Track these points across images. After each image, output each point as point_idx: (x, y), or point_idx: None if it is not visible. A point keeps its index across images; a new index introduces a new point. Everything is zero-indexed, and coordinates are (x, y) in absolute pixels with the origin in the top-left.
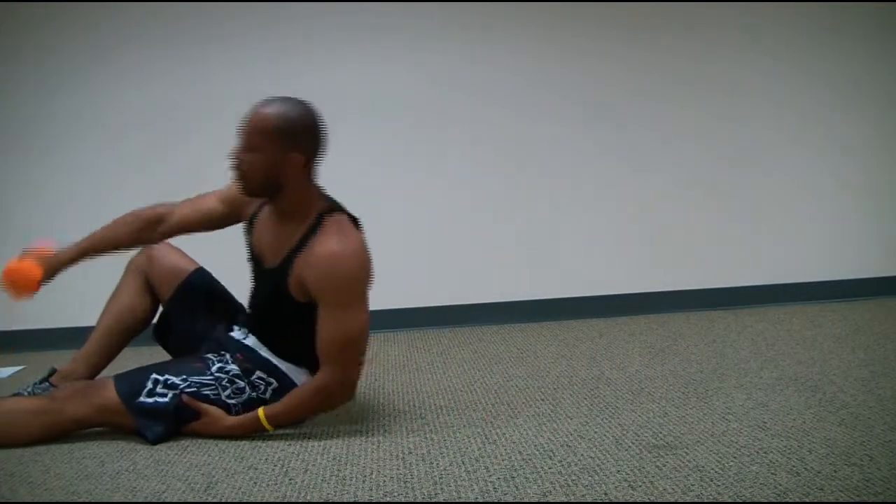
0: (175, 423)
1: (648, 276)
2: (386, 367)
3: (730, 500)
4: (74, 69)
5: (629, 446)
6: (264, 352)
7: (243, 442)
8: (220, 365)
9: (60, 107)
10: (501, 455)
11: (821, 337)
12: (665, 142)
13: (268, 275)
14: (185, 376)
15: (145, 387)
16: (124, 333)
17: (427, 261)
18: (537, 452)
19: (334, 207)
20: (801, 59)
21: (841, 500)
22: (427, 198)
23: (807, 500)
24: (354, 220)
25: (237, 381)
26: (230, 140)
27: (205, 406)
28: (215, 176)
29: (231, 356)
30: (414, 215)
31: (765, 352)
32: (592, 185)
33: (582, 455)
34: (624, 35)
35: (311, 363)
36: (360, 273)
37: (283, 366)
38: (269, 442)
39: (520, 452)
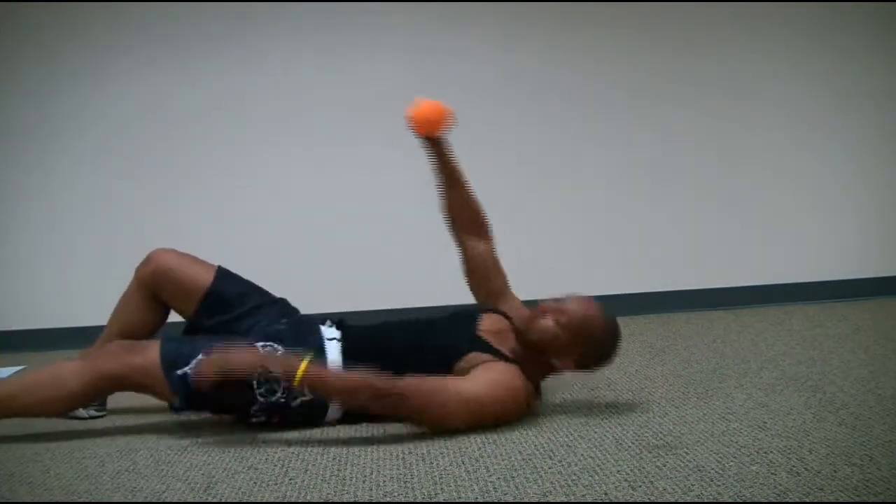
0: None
1: (648, 276)
2: None
3: (730, 500)
4: (75, 68)
5: (629, 446)
6: (333, 367)
7: (243, 442)
8: None
9: (60, 105)
10: (501, 455)
11: (821, 337)
12: (665, 142)
13: (474, 336)
14: None
15: (189, 364)
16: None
17: (427, 260)
18: (537, 452)
19: (536, 387)
20: (801, 59)
21: (841, 500)
22: (427, 198)
23: (807, 500)
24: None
25: (273, 384)
26: (227, 137)
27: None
28: (213, 174)
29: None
30: (414, 215)
31: (765, 352)
32: (592, 184)
33: (582, 455)
34: (623, 35)
35: None
36: (500, 400)
37: None
38: (269, 442)
39: (520, 452)
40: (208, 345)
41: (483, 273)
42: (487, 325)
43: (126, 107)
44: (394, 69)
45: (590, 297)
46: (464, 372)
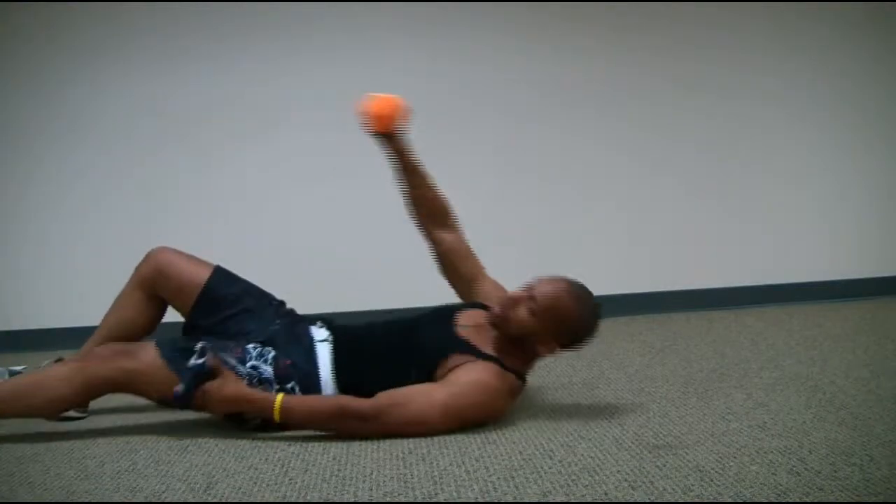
0: (200, 380)
1: (648, 276)
2: None
3: (730, 500)
4: (80, 66)
5: (629, 446)
6: (324, 369)
7: (243, 442)
8: (255, 363)
9: (62, 106)
10: (501, 455)
11: (821, 337)
12: (665, 142)
13: (453, 336)
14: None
15: (194, 352)
16: (125, 340)
17: (427, 260)
18: (537, 452)
19: (522, 376)
20: (801, 60)
21: (841, 500)
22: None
23: (807, 500)
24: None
25: (265, 384)
26: (231, 136)
27: (223, 369)
28: (215, 177)
29: (272, 357)
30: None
31: (765, 352)
32: (592, 184)
33: (582, 455)
34: (623, 35)
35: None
36: (479, 402)
37: (331, 388)
38: (269, 442)
39: (520, 452)
40: (204, 343)
41: (455, 261)
42: (466, 320)
43: (131, 108)
44: (394, 73)
45: (558, 277)
46: (444, 376)
